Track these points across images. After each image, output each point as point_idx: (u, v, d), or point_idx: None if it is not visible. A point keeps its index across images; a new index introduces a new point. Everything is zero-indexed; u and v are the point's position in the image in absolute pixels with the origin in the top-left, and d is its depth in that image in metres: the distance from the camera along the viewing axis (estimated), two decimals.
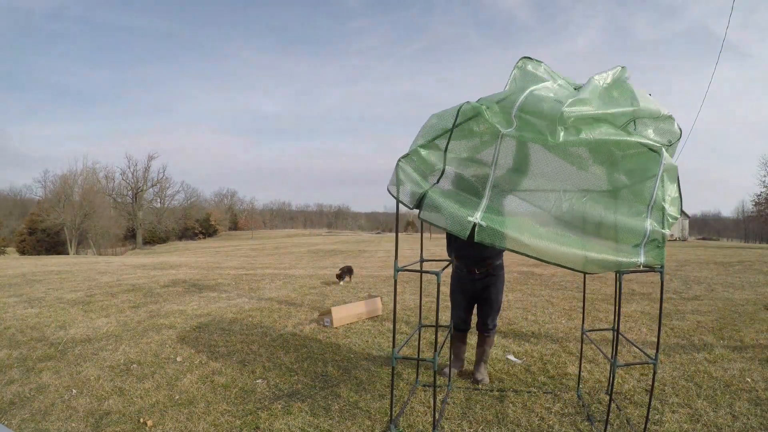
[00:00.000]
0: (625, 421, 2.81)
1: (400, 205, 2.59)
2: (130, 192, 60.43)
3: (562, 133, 2.25)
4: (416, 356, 3.36)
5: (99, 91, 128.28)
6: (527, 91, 2.33)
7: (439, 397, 3.18)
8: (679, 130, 2.59)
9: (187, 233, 64.11)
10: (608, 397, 2.61)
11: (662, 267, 2.38)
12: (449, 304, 3.70)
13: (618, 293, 2.72)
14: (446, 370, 3.56)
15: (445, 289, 3.57)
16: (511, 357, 4.03)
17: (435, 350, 2.58)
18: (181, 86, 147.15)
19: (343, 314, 5.25)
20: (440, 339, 4.01)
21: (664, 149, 2.36)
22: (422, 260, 3.33)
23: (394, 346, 2.72)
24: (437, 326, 2.57)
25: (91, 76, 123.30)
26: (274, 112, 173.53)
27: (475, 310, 3.63)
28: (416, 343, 4.12)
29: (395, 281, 2.70)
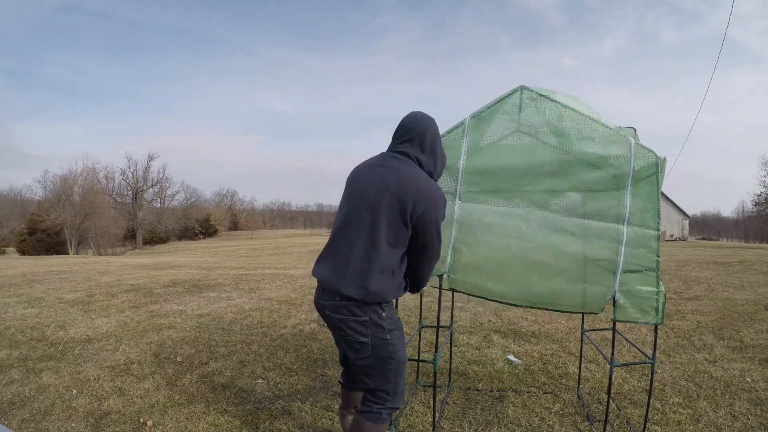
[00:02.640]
0: (625, 422, 2.81)
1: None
2: (130, 192, 60.42)
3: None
4: (416, 357, 3.36)
5: (109, 88, 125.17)
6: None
7: (439, 397, 3.18)
8: (633, 130, 2.66)
9: (187, 233, 64.05)
10: (608, 397, 2.61)
11: (658, 319, 2.33)
12: (449, 304, 3.70)
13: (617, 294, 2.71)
14: None
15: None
16: (511, 357, 4.03)
17: (435, 350, 2.58)
18: (194, 84, 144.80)
19: None
20: (440, 339, 4.01)
21: (632, 140, 2.37)
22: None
23: None
24: (438, 326, 2.57)
25: (103, 72, 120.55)
26: (287, 112, 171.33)
27: None
28: (416, 343, 4.13)
29: None
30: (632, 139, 2.38)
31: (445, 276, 2.59)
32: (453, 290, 2.72)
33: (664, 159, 2.33)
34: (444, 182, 2.67)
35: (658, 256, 2.30)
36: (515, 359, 3.99)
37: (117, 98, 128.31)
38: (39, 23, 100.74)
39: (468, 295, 2.70)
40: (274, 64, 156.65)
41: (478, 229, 2.55)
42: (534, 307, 2.63)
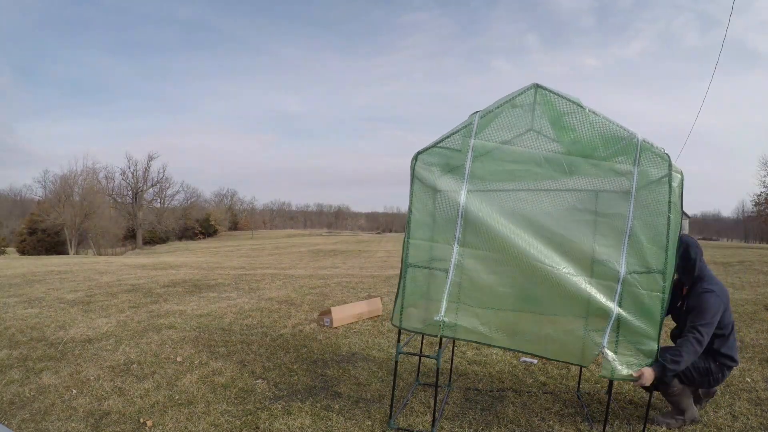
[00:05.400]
0: (625, 422, 2.81)
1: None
2: (130, 192, 60.41)
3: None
4: (419, 353, 3.35)
5: (118, 86, 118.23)
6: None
7: (439, 397, 3.18)
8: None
9: (187, 233, 64.00)
10: (608, 397, 2.61)
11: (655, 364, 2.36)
12: None
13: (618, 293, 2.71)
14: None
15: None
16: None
17: (439, 347, 2.58)
18: (206, 82, 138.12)
19: (343, 314, 5.25)
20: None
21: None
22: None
23: (399, 340, 2.73)
24: (441, 325, 2.57)
25: (114, 70, 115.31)
26: (298, 112, 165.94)
27: None
28: (417, 343, 4.13)
29: (402, 276, 2.69)
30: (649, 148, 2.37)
31: (439, 321, 2.57)
32: (445, 337, 2.68)
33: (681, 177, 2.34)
34: (449, 182, 2.64)
35: (661, 318, 2.32)
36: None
37: (125, 97, 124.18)
38: (53, 17, 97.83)
39: (464, 340, 2.74)
40: (291, 62, 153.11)
41: (475, 276, 2.59)
42: (527, 353, 2.74)
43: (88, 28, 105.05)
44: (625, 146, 2.39)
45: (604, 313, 2.39)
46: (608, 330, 2.35)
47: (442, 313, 2.55)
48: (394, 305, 2.68)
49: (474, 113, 2.66)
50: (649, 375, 2.36)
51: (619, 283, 2.35)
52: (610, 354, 2.34)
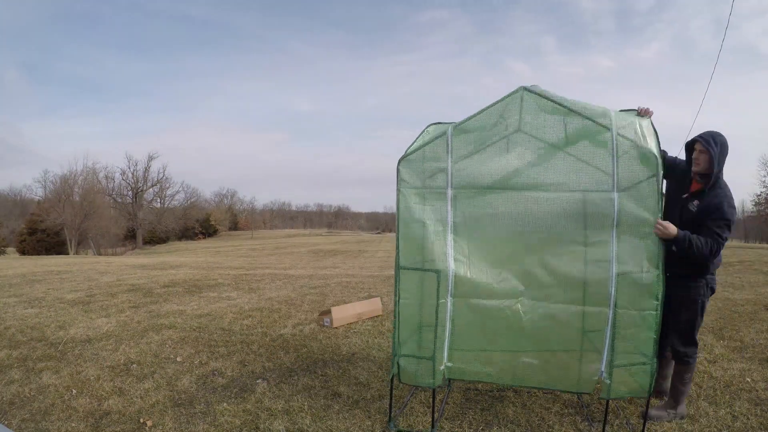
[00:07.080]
0: (625, 422, 2.81)
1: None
2: (130, 192, 60.37)
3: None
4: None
5: (126, 85, 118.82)
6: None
7: (439, 397, 3.18)
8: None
9: (187, 233, 63.95)
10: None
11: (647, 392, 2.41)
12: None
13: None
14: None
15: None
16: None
17: (434, 349, 2.59)
18: (216, 81, 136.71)
19: (343, 314, 5.25)
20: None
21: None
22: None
23: (395, 339, 2.73)
24: (436, 326, 2.57)
25: (122, 68, 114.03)
26: (308, 111, 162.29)
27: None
28: None
29: (397, 279, 2.70)
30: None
31: (443, 368, 2.63)
32: (451, 379, 2.75)
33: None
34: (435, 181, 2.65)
35: (655, 334, 2.35)
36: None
37: (131, 96, 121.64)
38: (62, 13, 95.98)
39: (467, 381, 2.95)
40: (304, 60, 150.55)
41: (470, 325, 2.66)
42: (528, 387, 2.85)
43: (98, 24, 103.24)
44: (604, 140, 2.41)
45: (599, 339, 2.44)
46: (605, 354, 2.40)
47: (446, 360, 2.62)
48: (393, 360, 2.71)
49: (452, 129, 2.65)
50: (673, 229, 2.38)
51: (611, 309, 2.39)
52: (608, 376, 2.40)
